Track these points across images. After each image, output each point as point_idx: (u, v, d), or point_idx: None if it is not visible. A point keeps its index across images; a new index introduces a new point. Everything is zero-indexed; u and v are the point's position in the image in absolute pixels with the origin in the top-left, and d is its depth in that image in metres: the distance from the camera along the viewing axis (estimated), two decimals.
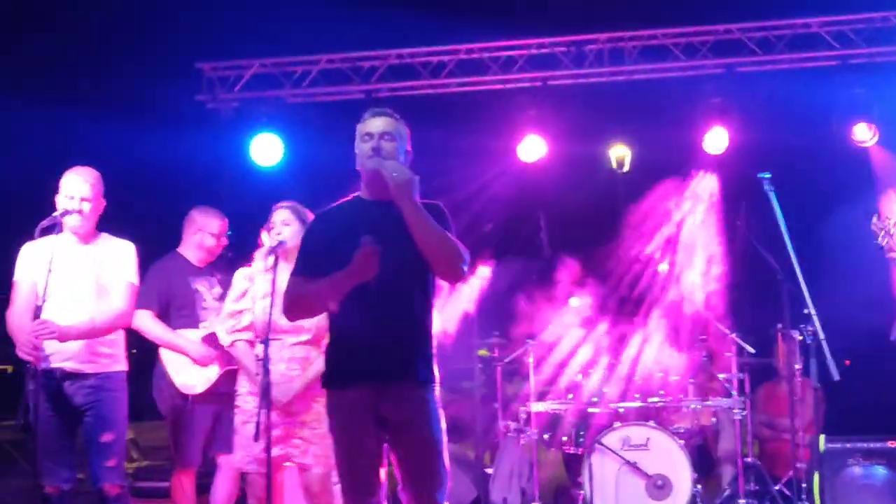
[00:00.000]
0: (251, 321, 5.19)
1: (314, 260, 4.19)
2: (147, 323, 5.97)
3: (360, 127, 4.29)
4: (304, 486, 5.13)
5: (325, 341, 4.98)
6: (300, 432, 5.02)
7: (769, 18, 9.04)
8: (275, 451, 4.88)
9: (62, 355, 5.16)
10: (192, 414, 6.03)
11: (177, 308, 6.14)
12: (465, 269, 4.14)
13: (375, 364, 4.10)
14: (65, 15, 9.74)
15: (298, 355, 5.06)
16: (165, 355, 6.09)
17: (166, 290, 6.12)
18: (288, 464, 5.14)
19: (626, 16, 9.34)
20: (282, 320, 4.92)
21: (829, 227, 8.23)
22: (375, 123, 4.26)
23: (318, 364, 5.00)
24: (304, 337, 5.06)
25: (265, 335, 4.63)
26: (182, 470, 6.09)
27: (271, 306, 4.48)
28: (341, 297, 4.06)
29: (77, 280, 5.24)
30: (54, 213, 5.14)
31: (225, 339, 5.34)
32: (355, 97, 9.56)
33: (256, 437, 4.49)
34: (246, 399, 5.18)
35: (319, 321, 4.98)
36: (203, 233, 6.34)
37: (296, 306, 4.24)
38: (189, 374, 6.03)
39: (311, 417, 5.04)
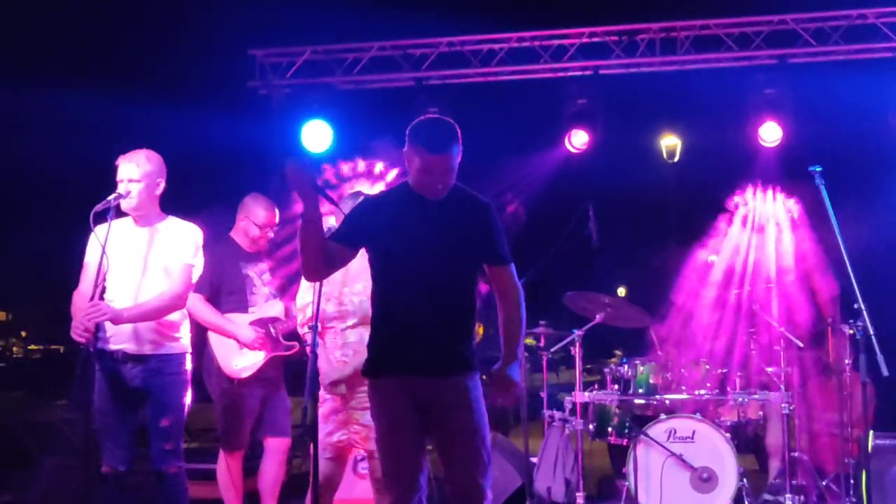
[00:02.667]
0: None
1: (348, 232, 4.22)
2: (197, 306, 6.01)
3: (418, 152, 4.12)
4: (371, 471, 5.17)
5: None
6: (360, 418, 5.05)
7: (824, 9, 8.93)
8: (338, 436, 5.06)
9: (122, 337, 5.21)
10: (240, 398, 6.10)
11: (227, 292, 6.20)
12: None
13: (417, 353, 4.14)
14: (121, 3, 9.86)
15: (351, 340, 5.09)
16: (213, 339, 6.15)
17: (217, 275, 6.16)
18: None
19: (679, 5, 9.28)
20: (328, 307, 4.99)
21: (883, 220, 8.12)
22: (436, 162, 4.12)
23: None
24: (352, 321, 5.10)
25: (330, 321, 4.68)
26: (229, 452, 6.17)
27: (318, 295, 4.50)
28: (314, 226, 4.05)
29: (136, 262, 5.28)
30: (108, 198, 5.19)
31: (301, 332, 5.39)
32: (405, 84, 9.58)
33: (302, 422, 4.53)
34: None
35: (364, 302, 5.02)
36: (248, 221, 6.38)
37: (302, 260, 4.20)
38: (237, 359, 6.09)
39: (369, 403, 5.08)
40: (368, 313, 5.04)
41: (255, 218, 6.38)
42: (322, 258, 4.18)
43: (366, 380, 5.00)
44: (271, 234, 6.49)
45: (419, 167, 4.14)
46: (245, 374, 6.08)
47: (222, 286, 6.19)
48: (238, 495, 6.22)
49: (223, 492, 6.22)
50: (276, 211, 6.50)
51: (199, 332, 6.15)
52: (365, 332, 5.08)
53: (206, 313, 6.10)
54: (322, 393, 5.13)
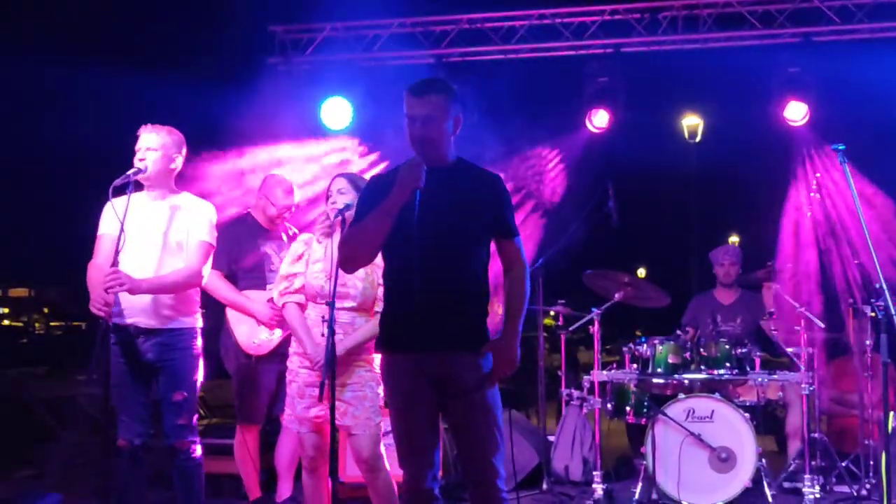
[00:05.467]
0: (302, 284, 5.22)
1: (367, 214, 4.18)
2: (215, 283, 6.03)
3: (405, 98, 4.18)
4: (352, 449, 5.18)
5: (376, 308, 5.02)
6: (341, 395, 5.01)
7: None
8: (315, 412, 5.06)
9: (134, 310, 5.21)
10: (257, 373, 6.12)
11: (244, 270, 6.21)
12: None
13: (429, 330, 4.11)
14: None
15: (343, 320, 5.03)
16: (231, 316, 6.17)
17: (235, 252, 6.18)
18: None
19: None
20: (327, 285, 4.98)
21: None
22: (416, 105, 4.15)
23: (362, 331, 5.05)
24: (349, 304, 5.06)
25: (327, 298, 4.66)
26: (246, 427, 6.19)
27: (335, 269, 4.48)
28: (391, 219, 4.05)
29: (152, 236, 5.27)
30: (127, 172, 5.18)
31: (277, 301, 5.38)
32: (426, 62, 9.54)
33: (320, 398, 4.50)
34: (292, 360, 5.24)
35: (367, 289, 5.03)
36: (267, 201, 6.39)
37: (348, 248, 4.19)
38: (254, 335, 6.11)
39: (353, 380, 5.06)
40: (367, 300, 5.04)
41: (273, 198, 6.39)
42: (379, 249, 4.23)
43: (353, 357, 5.03)
44: (289, 214, 6.50)
45: (405, 115, 4.17)
46: (263, 351, 6.10)
47: (240, 263, 6.21)
48: (255, 470, 6.25)
49: (240, 467, 6.25)
50: (296, 191, 6.51)
51: (217, 309, 6.17)
52: (358, 318, 5.07)
53: (224, 290, 6.11)
54: (297, 367, 5.17)
